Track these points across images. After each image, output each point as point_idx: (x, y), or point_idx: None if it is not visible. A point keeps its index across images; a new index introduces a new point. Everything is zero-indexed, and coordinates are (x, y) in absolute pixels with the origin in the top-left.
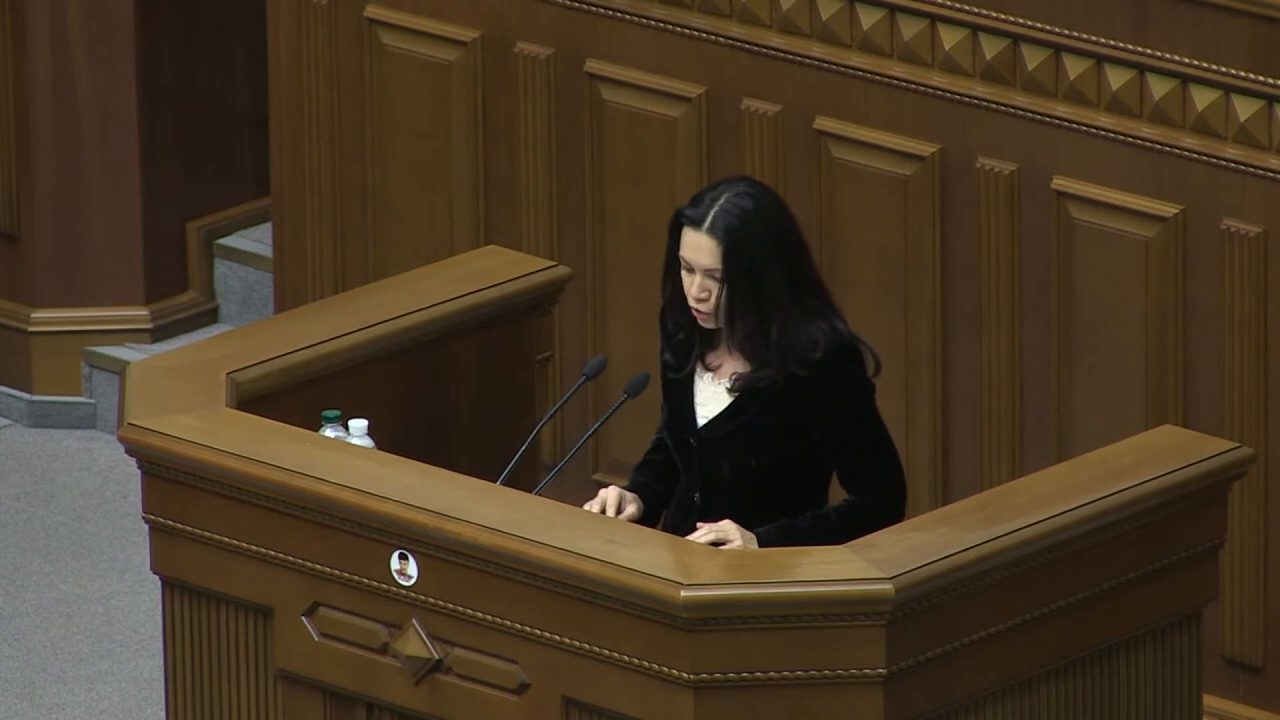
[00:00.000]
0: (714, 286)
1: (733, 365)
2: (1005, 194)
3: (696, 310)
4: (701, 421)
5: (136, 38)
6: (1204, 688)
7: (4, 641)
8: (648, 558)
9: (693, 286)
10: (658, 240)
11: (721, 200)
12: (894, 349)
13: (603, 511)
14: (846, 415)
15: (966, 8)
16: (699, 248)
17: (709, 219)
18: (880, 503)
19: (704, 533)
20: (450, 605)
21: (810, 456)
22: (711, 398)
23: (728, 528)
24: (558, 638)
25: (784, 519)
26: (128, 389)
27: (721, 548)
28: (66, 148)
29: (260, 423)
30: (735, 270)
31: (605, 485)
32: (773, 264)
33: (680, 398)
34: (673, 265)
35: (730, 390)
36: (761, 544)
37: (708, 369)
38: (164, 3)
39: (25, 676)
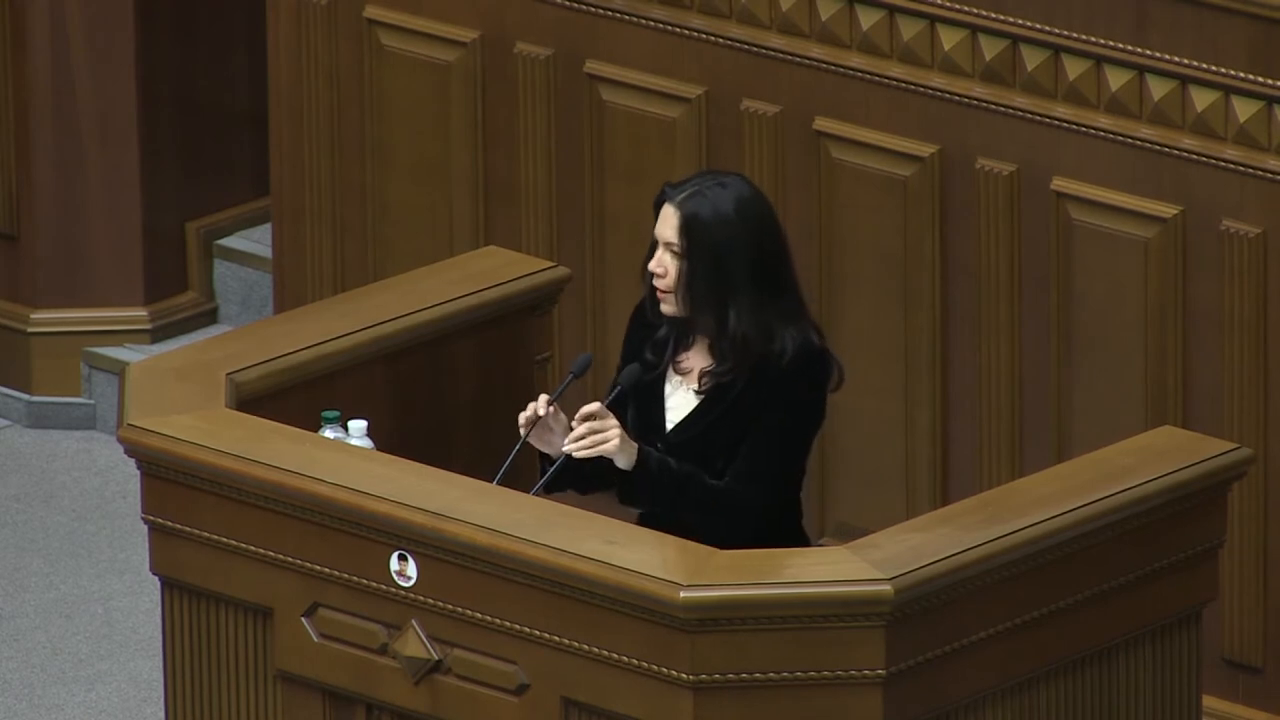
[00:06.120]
0: (670, 263)
1: (701, 365)
2: (1005, 195)
3: (656, 288)
4: (670, 425)
5: (136, 38)
6: (1204, 688)
7: (4, 642)
8: (647, 558)
9: (652, 260)
10: None
11: (704, 181)
12: (894, 349)
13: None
14: (786, 410)
15: (966, 8)
16: (665, 219)
17: (682, 195)
18: (742, 506)
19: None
20: (449, 606)
21: None
22: (681, 401)
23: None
24: (557, 638)
25: (668, 461)
26: (127, 389)
27: (599, 448)
28: (66, 148)
29: (259, 423)
30: (696, 250)
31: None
32: (738, 251)
33: (649, 401)
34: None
35: (699, 390)
36: (640, 462)
37: (677, 372)
38: (164, 3)
39: (25, 677)
